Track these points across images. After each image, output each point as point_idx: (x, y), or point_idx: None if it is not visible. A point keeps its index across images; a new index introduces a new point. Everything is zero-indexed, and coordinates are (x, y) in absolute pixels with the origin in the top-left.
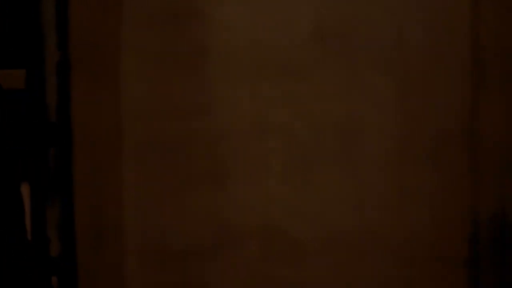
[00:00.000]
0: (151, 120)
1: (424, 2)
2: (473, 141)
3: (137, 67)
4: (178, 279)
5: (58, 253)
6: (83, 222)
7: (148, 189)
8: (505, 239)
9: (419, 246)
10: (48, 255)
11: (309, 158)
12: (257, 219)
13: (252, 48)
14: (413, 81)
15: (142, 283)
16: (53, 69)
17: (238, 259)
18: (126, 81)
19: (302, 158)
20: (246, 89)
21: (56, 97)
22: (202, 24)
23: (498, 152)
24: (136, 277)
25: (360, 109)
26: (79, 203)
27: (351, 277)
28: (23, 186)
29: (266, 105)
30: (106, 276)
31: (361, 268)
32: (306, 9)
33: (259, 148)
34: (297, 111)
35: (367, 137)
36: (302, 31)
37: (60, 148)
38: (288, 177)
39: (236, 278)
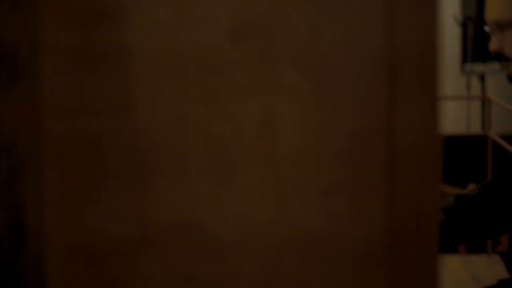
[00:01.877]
0: (71, 118)
1: (340, 4)
2: (390, 137)
3: (56, 65)
4: (101, 277)
5: None
6: (4, 221)
7: (70, 187)
8: (424, 233)
9: (339, 240)
10: None
11: (229, 155)
12: (179, 216)
13: (171, 47)
14: (331, 78)
15: (65, 281)
16: None
17: (161, 256)
18: (45, 80)
19: (222, 155)
20: (166, 87)
21: None
22: (121, 23)
23: (414, 148)
24: (59, 276)
25: (278, 106)
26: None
27: (271, 272)
28: None
29: (186, 103)
30: (28, 276)
31: (280, 262)
32: (223, 8)
33: (180, 145)
34: (217, 108)
35: (286, 133)
36: (220, 30)
37: None
38: (209, 174)
39: (159, 275)
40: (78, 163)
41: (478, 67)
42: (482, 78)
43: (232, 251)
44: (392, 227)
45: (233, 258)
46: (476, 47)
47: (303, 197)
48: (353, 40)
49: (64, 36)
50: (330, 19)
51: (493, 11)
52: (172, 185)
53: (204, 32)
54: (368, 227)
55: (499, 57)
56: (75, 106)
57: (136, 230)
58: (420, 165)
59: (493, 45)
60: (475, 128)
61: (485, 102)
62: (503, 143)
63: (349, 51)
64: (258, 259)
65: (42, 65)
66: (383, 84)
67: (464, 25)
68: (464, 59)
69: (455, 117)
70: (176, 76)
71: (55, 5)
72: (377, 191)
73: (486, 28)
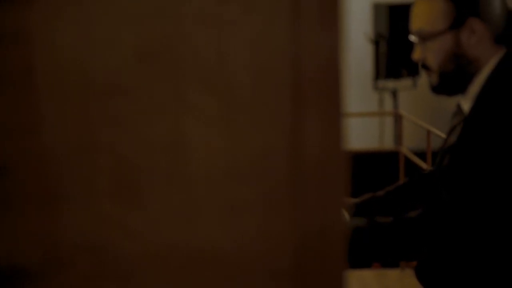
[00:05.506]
0: None
1: (245, 22)
2: (296, 155)
3: None
4: None
5: None
6: None
7: None
8: (331, 252)
9: (247, 259)
10: None
11: (138, 176)
12: (87, 239)
13: (78, 69)
14: (237, 99)
15: None
16: None
17: (70, 278)
18: None
19: (131, 176)
20: (74, 109)
21: None
22: (28, 45)
23: (319, 165)
24: None
25: (186, 127)
26: None
27: None
28: None
29: (94, 125)
30: None
31: (191, 283)
32: (129, 30)
33: (87, 167)
34: (125, 130)
35: (194, 154)
36: (126, 51)
37: None
38: (117, 195)
39: None
40: None
41: (391, 84)
42: (394, 94)
43: (141, 273)
44: (299, 244)
45: (142, 280)
46: (388, 64)
47: (212, 217)
48: (258, 61)
49: None
50: (235, 42)
51: (417, 22)
52: (80, 207)
53: (110, 54)
54: (277, 245)
55: (422, 66)
56: None
57: (44, 253)
58: (326, 182)
59: (417, 54)
60: (388, 144)
61: (397, 118)
62: (415, 159)
63: (254, 73)
64: (168, 280)
65: None
66: (288, 103)
67: (376, 43)
68: (377, 76)
69: (368, 133)
70: (82, 98)
71: None
72: (284, 209)
73: (411, 38)
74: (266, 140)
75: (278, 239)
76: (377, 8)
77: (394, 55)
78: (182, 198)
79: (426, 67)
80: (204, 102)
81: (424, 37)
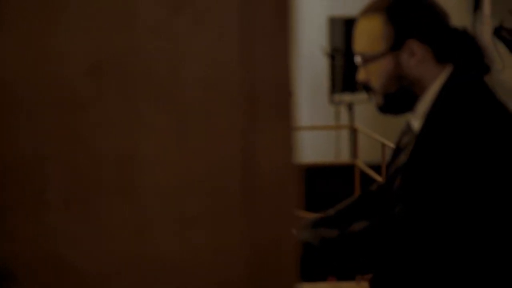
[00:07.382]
0: None
1: (196, 35)
2: (248, 169)
3: None
4: None
5: None
6: None
7: None
8: (283, 264)
9: (199, 270)
10: None
11: (89, 189)
12: (38, 252)
13: (30, 81)
14: (188, 112)
15: None
16: None
17: None
18: None
19: (82, 189)
20: (24, 121)
21: None
22: None
23: (271, 178)
24: None
25: (137, 140)
26: None
27: None
28: None
29: (45, 137)
30: None
31: None
32: (83, 43)
33: (39, 180)
34: (77, 143)
35: (147, 168)
36: (78, 65)
37: None
38: (69, 208)
39: None
40: None
41: (347, 97)
42: (350, 108)
43: (96, 284)
44: (251, 256)
45: None
46: (344, 78)
47: (163, 230)
48: (210, 74)
49: None
50: (187, 55)
51: (358, 44)
52: (31, 220)
53: (62, 67)
54: (228, 257)
55: (366, 87)
56: None
57: None
58: (277, 195)
59: (360, 76)
60: (344, 157)
61: (353, 131)
62: (370, 172)
63: (206, 86)
64: None
65: None
66: (240, 116)
67: (332, 56)
68: (333, 90)
69: (324, 146)
70: (34, 109)
71: None
72: (236, 222)
73: (355, 59)
74: (217, 153)
75: (229, 251)
76: (333, 21)
77: (350, 69)
78: (133, 211)
79: (369, 88)
80: (155, 115)
81: (366, 59)
